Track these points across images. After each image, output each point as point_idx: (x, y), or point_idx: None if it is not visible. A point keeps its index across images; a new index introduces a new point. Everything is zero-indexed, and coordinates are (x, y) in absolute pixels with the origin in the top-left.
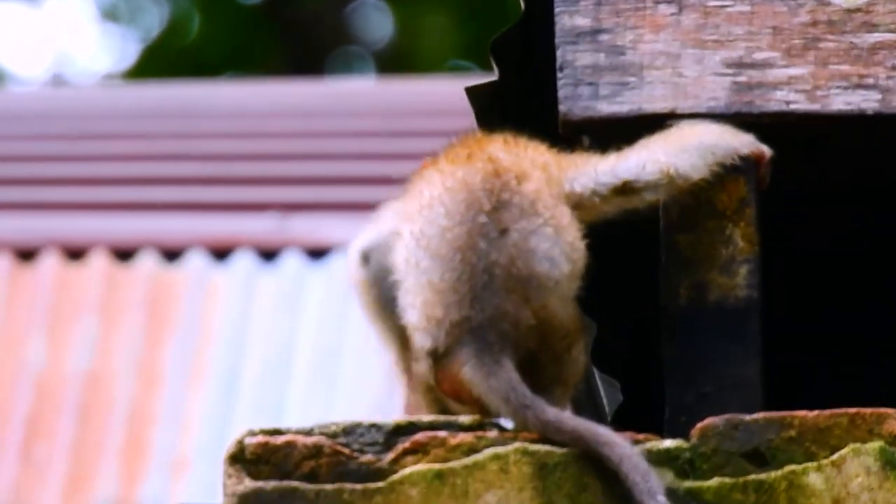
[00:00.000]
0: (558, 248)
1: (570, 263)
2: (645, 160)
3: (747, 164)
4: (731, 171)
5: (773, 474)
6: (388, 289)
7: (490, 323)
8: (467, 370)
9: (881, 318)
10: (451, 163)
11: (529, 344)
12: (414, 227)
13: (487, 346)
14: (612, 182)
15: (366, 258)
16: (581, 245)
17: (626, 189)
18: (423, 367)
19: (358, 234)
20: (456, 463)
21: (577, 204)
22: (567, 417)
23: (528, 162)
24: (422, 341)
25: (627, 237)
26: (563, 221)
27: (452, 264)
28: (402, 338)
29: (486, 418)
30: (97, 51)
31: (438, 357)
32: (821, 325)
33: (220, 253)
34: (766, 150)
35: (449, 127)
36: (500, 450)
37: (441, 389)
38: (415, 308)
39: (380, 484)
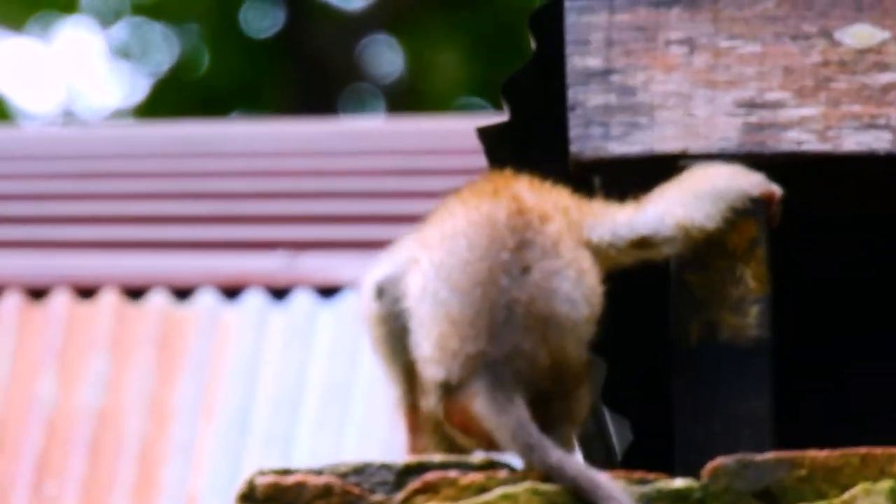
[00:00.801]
0: (579, 291)
1: (589, 307)
2: (663, 214)
3: (758, 205)
4: (741, 213)
5: None
6: (401, 325)
7: (506, 359)
8: (479, 404)
9: (894, 352)
10: (476, 197)
11: (543, 384)
12: (434, 256)
13: (501, 382)
14: (630, 236)
15: (380, 292)
16: (600, 290)
17: (643, 243)
18: (432, 400)
19: (373, 266)
20: (467, 502)
21: (595, 252)
22: (569, 464)
23: (551, 204)
24: (434, 373)
25: (638, 276)
26: (584, 265)
27: (472, 298)
28: (409, 376)
29: (493, 451)
30: (107, 86)
31: (450, 389)
32: (833, 361)
33: (231, 291)
34: (777, 190)
35: (459, 166)
36: (510, 489)
37: (450, 422)
38: (429, 339)
39: None
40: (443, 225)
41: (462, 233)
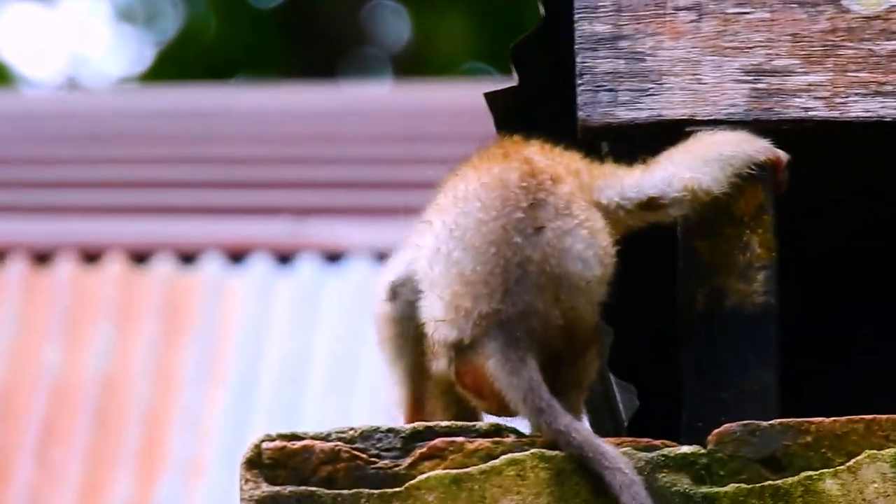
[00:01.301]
0: (592, 251)
1: (601, 267)
2: (671, 176)
3: (765, 171)
4: (748, 179)
5: (790, 480)
6: (412, 326)
7: (519, 318)
8: (492, 364)
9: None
10: (488, 161)
11: (555, 344)
12: (447, 217)
13: (514, 341)
14: (638, 197)
15: (394, 293)
16: (612, 250)
17: (651, 205)
18: (443, 362)
19: (387, 266)
20: (473, 468)
21: (605, 214)
22: (576, 430)
23: (563, 166)
24: (447, 333)
25: (646, 243)
26: (596, 225)
27: (486, 257)
28: (414, 377)
29: (503, 414)
30: (112, 53)
31: (462, 350)
32: (839, 330)
33: (237, 256)
34: (783, 155)
35: (466, 131)
36: (517, 455)
37: (462, 384)
38: (442, 299)
39: (397, 489)
40: (455, 188)
41: (475, 195)
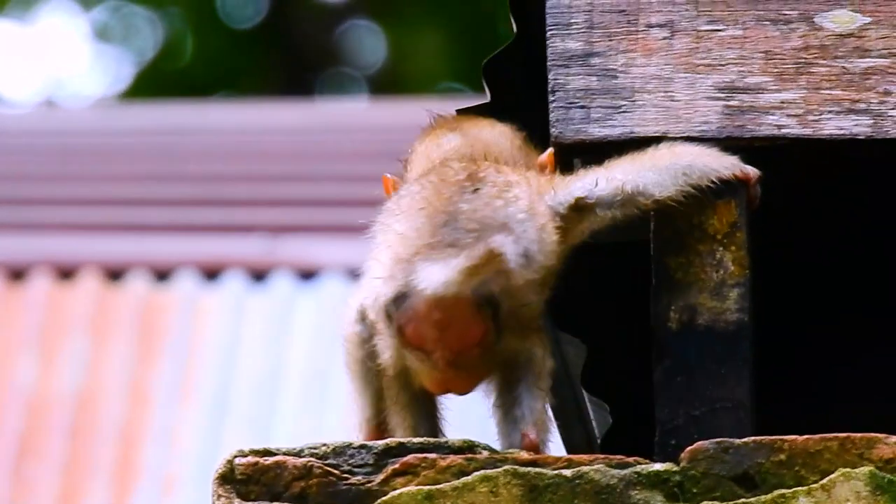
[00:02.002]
0: (531, 223)
1: (538, 241)
2: (599, 177)
3: (737, 188)
4: (719, 195)
5: (763, 498)
6: (374, 355)
7: (448, 245)
8: (427, 276)
9: (872, 337)
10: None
11: (490, 284)
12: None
13: (445, 256)
14: (567, 200)
15: (363, 316)
16: (553, 240)
17: (579, 206)
18: (387, 338)
19: (357, 290)
20: (446, 485)
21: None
22: None
23: (511, 169)
24: (385, 292)
25: (618, 260)
26: (538, 209)
27: (420, 215)
28: (379, 399)
29: (445, 359)
30: (90, 72)
31: (400, 300)
32: (813, 343)
33: (211, 273)
34: (753, 172)
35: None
36: (489, 472)
37: (404, 341)
38: (380, 263)
39: None
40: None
41: (417, 183)
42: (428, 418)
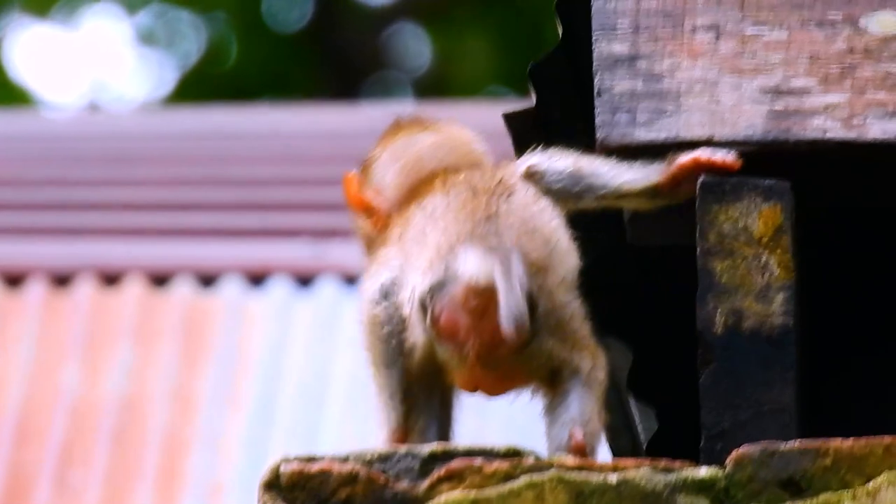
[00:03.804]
0: (557, 222)
1: (567, 245)
2: (556, 153)
3: (782, 192)
4: (766, 199)
5: (809, 502)
6: (402, 328)
7: (491, 234)
8: (469, 263)
9: None
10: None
11: (533, 277)
12: (426, 208)
13: (490, 248)
14: (522, 168)
15: (385, 294)
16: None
17: (529, 173)
18: (419, 328)
19: (373, 273)
20: (491, 490)
21: None
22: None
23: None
24: (423, 284)
25: (663, 263)
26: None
27: (461, 214)
28: (403, 383)
29: (482, 352)
30: (134, 76)
31: (438, 288)
32: (859, 351)
33: (257, 279)
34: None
35: (488, 151)
36: (535, 477)
37: (437, 330)
38: (416, 265)
39: None
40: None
41: (442, 196)
42: (441, 422)
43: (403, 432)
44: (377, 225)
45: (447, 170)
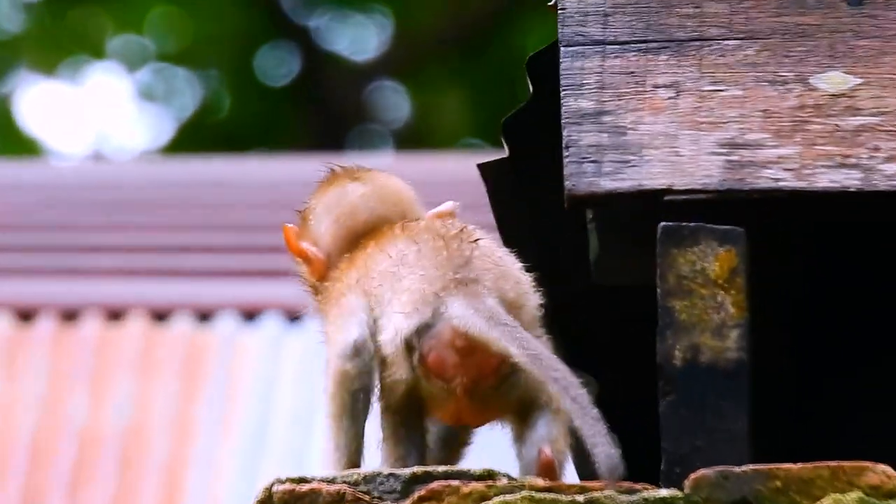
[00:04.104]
0: (519, 264)
1: (531, 285)
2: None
3: (737, 237)
4: (721, 243)
5: None
6: (368, 388)
7: (472, 281)
8: (457, 310)
9: (863, 376)
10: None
11: (510, 315)
12: (392, 252)
13: (473, 293)
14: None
15: (357, 351)
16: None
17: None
18: (403, 367)
19: (343, 329)
20: None
21: None
22: (540, 345)
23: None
24: (408, 324)
25: (626, 302)
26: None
27: (434, 262)
28: (361, 441)
29: (464, 391)
30: (135, 128)
31: (424, 330)
32: (809, 381)
33: (250, 315)
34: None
35: (462, 199)
36: (508, 497)
37: (424, 366)
38: (398, 307)
39: None
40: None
41: (410, 237)
42: (418, 450)
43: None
44: (315, 274)
45: (391, 219)
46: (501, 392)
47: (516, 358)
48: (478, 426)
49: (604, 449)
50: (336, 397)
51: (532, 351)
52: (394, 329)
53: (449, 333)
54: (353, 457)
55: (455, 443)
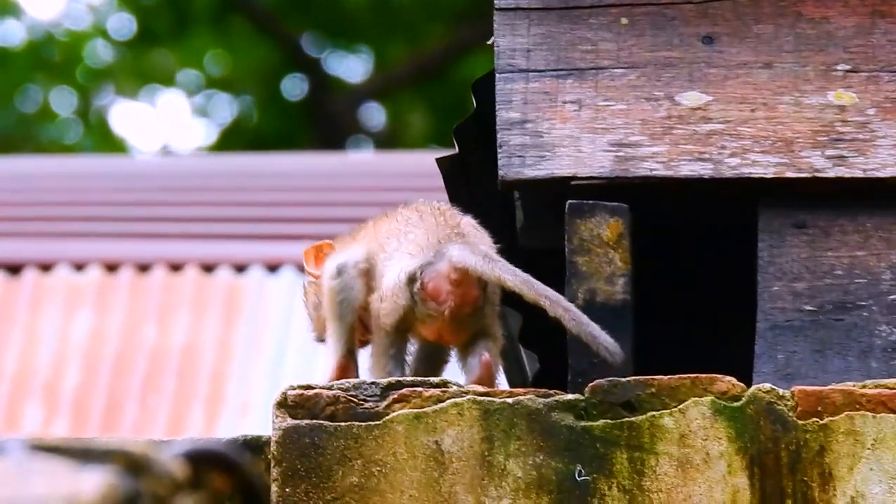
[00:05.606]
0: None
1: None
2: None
3: (623, 211)
4: (611, 216)
5: (640, 418)
6: (353, 295)
7: (465, 235)
8: (455, 252)
9: (725, 310)
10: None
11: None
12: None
13: (468, 243)
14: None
15: (339, 272)
16: None
17: None
18: (404, 295)
19: (334, 257)
20: (428, 408)
21: None
22: (528, 275)
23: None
24: (413, 265)
25: (543, 261)
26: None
27: (435, 224)
28: (352, 335)
29: (453, 315)
30: (191, 133)
31: (426, 266)
32: (681, 315)
33: (273, 268)
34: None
35: (426, 185)
36: (458, 400)
37: (423, 291)
38: (406, 251)
39: (377, 422)
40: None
41: (414, 213)
42: (401, 366)
43: (346, 362)
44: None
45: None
46: (474, 318)
47: (511, 285)
48: (450, 344)
49: (604, 340)
50: (328, 306)
51: (524, 278)
52: (398, 266)
53: (447, 268)
54: (347, 344)
55: (438, 360)
